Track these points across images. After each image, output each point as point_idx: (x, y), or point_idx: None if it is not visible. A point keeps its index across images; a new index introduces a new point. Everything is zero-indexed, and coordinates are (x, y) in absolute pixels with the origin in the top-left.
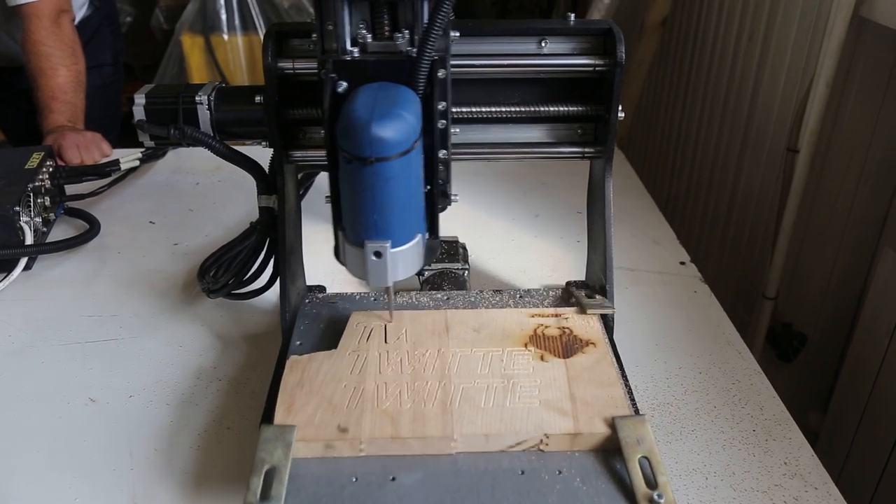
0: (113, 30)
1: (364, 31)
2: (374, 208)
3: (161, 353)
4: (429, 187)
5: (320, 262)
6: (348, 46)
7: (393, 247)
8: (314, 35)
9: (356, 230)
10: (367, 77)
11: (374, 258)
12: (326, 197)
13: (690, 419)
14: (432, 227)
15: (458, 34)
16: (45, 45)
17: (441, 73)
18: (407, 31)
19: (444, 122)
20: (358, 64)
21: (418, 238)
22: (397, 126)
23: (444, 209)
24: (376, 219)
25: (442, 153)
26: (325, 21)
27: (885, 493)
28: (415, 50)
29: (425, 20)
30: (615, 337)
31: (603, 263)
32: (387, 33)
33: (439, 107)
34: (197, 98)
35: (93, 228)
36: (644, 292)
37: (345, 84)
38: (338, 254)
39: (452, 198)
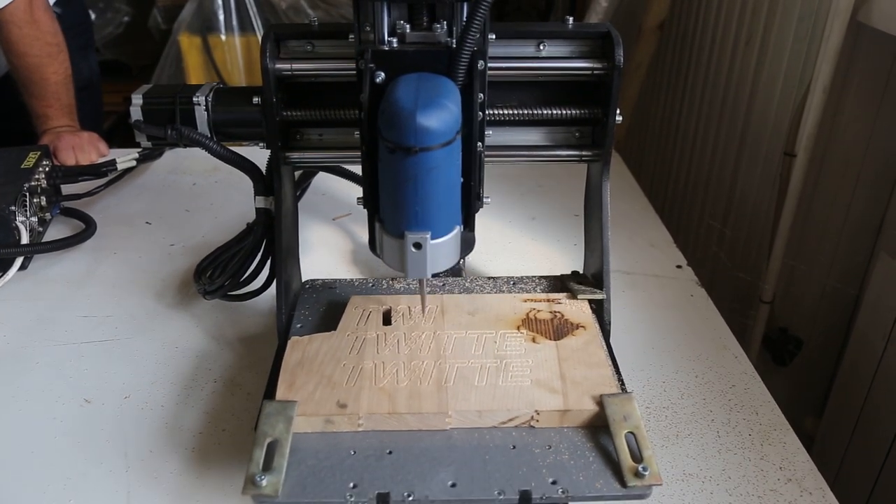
0: (81, 46)
1: (402, 22)
2: (415, 199)
3: (157, 355)
4: (464, 179)
5: (317, 264)
6: (386, 37)
7: (433, 238)
8: (351, 36)
9: (396, 221)
10: (405, 67)
11: (413, 250)
12: (358, 199)
13: (686, 423)
14: (468, 219)
15: (494, 36)
16: (31, 56)
17: (480, 65)
18: (445, 22)
19: (480, 113)
20: (397, 54)
21: (456, 230)
22: (442, 116)
23: (476, 211)
24: (418, 209)
25: (478, 146)
26: (363, 22)
27: (880, 497)
28: (454, 41)
29: (464, 16)
30: (612, 340)
31: (600, 266)
32: (425, 24)
33: (478, 98)
34: (194, 99)
35: (89, 228)
36: (640, 296)
37: (382, 74)
38: (373, 246)
39: (484, 200)
